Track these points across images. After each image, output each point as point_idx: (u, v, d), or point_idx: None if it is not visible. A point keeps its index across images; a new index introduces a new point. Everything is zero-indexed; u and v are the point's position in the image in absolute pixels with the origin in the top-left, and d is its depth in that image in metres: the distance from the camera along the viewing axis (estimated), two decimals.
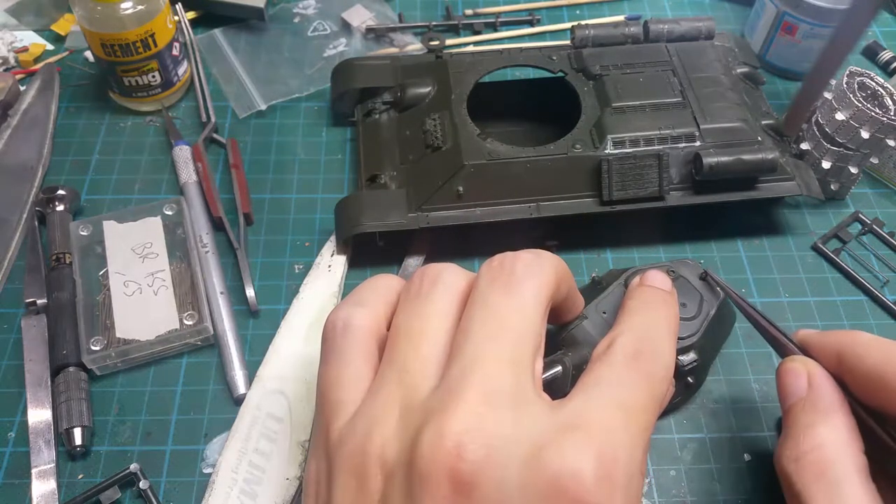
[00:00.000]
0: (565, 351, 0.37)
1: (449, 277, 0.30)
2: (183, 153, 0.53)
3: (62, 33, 0.62)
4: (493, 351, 0.26)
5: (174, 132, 0.55)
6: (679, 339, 0.37)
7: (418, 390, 0.26)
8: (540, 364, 0.28)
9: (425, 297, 0.29)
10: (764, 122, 0.50)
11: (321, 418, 0.29)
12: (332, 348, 0.30)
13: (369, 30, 0.63)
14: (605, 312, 0.38)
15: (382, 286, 0.32)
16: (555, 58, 0.53)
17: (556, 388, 0.35)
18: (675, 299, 0.34)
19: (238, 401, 0.42)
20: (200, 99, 0.57)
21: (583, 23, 0.53)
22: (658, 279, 0.35)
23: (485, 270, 0.30)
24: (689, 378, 0.40)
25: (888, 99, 0.50)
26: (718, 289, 0.41)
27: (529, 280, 0.29)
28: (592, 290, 0.41)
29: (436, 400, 0.25)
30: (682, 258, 0.43)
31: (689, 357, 0.39)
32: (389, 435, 0.25)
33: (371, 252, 0.49)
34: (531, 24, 0.65)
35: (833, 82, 0.50)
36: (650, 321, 0.32)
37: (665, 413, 0.42)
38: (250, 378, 0.43)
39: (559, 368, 0.35)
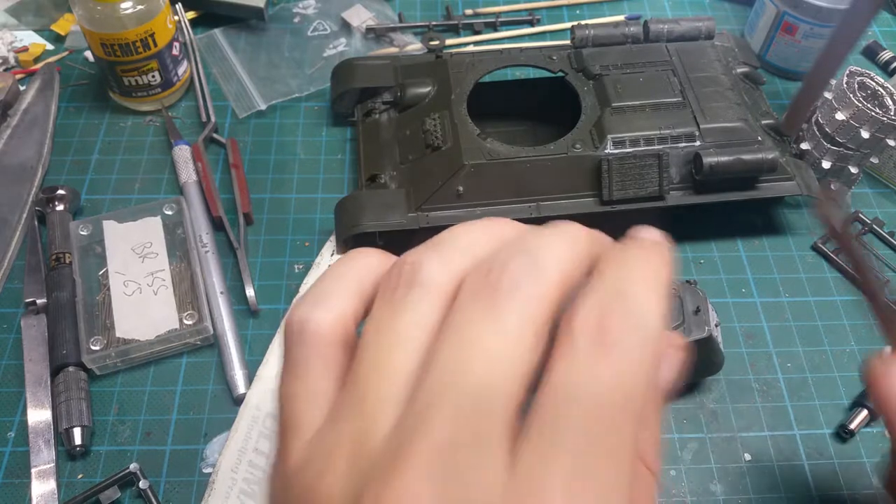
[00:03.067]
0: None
1: (429, 273, 0.23)
2: (183, 153, 0.53)
3: (62, 33, 0.62)
4: (455, 394, 0.20)
5: (174, 132, 0.55)
6: None
7: (372, 430, 0.21)
8: (525, 398, 0.22)
9: (399, 303, 0.23)
10: (764, 122, 0.50)
11: (280, 432, 0.24)
12: (289, 356, 0.25)
13: (369, 30, 0.63)
14: None
15: (354, 271, 0.25)
16: (555, 58, 0.53)
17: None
18: (665, 248, 0.23)
19: (238, 401, 0.42)
20: (200, 99, 0.57)
21: (583, 23, 0.53)
22: (644, 230, 0.24)
23: (471, 278, 0.22)
24: None
25: (888, 99, 0.50)
26: (715, 313, 0.39)
27: (517, 295, 0.21)
28: None
29: (383, 454, 0.20)
30: (690, 281, 0.42)
31: None
32: (337, 479, 0.21)
33: None
34: (531, 24, 0.65)
35: (833, 82, 0.50)
36: (622, 275, 0.22)
37: None
38: (250, 378, 0.43)
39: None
